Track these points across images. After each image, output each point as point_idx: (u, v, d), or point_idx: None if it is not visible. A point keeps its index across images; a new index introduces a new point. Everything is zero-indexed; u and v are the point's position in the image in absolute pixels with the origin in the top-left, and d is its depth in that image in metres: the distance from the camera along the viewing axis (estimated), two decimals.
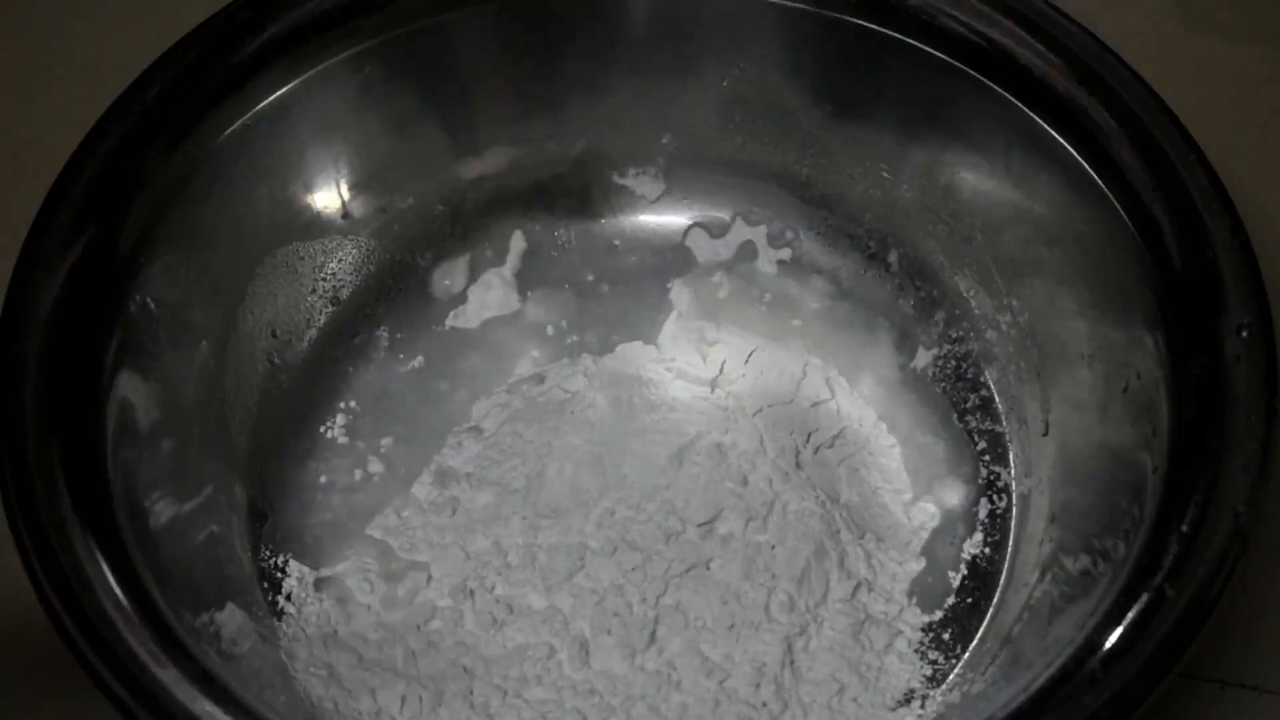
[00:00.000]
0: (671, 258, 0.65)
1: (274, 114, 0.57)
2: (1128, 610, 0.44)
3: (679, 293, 0.64)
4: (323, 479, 0.60)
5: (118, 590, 0.45)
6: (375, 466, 0.60)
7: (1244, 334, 0.48)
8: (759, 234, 0.65)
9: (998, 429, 0.60)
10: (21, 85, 0.70)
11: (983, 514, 0.59)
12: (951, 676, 0.54)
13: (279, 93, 0.56)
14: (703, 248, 0.66)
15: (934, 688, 0.54)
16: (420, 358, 0.63)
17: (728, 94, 0.62)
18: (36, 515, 0.46)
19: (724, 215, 0.66)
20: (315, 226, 0.61)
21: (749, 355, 0.62)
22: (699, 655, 0.54)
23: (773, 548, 0.56)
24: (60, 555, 0.46)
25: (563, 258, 0.66)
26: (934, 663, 0.55)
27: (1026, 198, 0.57)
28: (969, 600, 0.57)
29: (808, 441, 0.60)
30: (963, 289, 0.62)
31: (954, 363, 0.62)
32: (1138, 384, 0.51)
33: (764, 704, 0.53)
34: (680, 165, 0.65)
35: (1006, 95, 0.55)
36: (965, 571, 0.57)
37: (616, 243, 0.66)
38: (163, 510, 0.51)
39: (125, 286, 0.52)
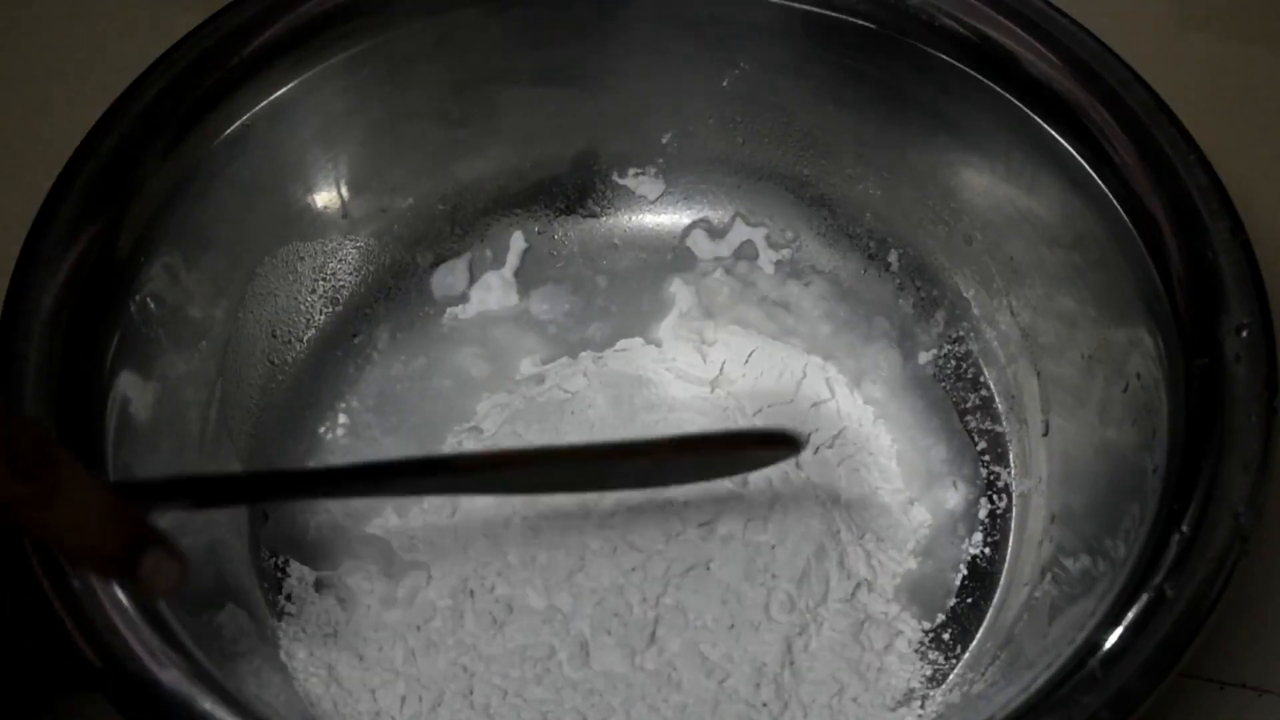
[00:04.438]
0: (671, 257, 0.65)
1: (273, 114, 0.57)
2: (1128, 610, 0.44)
3: (679, 292, 0.64)
4: None
5: (118, 590, 0.45)
6: None
7: (1244, 334, 0.48)
8: (759, 234, 0.65)
9: (998, 429, 0.60)
10: (21, 85, 0.70)
11: (983, 514, 0.59)
12: (951, 676, 0.54)
13: (278, 93, 0.57)
14: (703, 248, 0.66)
15: (934, 688, 0.54)
16: (420, 358, 0.63)
17: (728, 93, 0.62)
18: None
19: (724, 215, 0.66)
20: (315, 226, 0.61)
21: (749, 355, 0.62)
22: (699, 655, 0.54)
23: (773, 548, 0.56)
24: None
25: (563, 257, 0.66)
26: (934, 663, 0.55)
27: (1026, 198, 0.57)
28: (969, 600, 0.57)
29: (808, 441, 0.60)
30: (963, 289, 0.62)
31: (954, 363, 0.62)
32: (1138, 384, 0.51)
33: (764, 704, 0.53)
34: (680, 165, 0.65)
35: (1006, 95, 0.55)
36: (965, 571, 0.57)
37: (616, 242, 0.66)
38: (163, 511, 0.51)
39: (125, 286, 0.52)
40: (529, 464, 0.49)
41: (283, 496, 0.54)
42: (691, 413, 0.60)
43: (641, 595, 0.55)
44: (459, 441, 0.60)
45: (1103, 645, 0.44)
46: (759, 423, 0.59)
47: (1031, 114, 0.54)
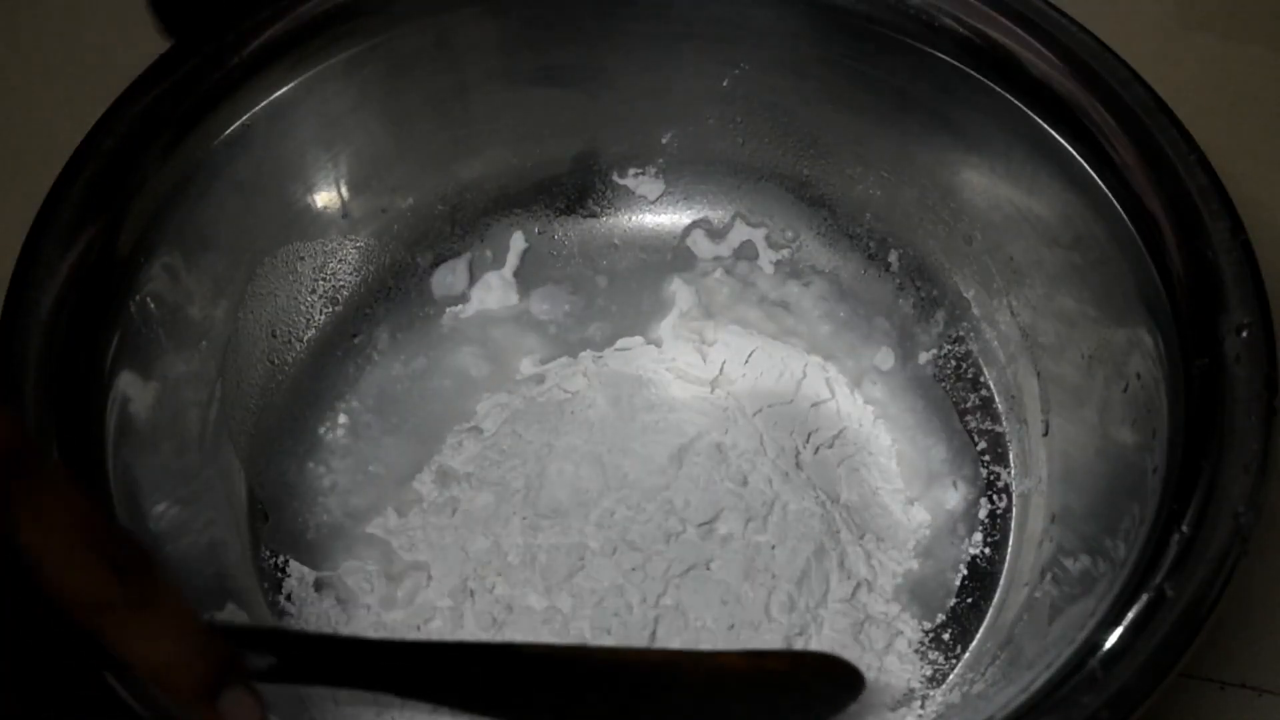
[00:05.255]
0: (671, 257, 0.66)
1: (273, 114, 0.57)
2: (1128, 610, 0.44)
3: (679, 292, 0.64)
4: (323, 479, 0.60)
5: None
6: (375, 466, 0.60)
7: (1244, 334, 0.48)
8: (759, 234, 0.65)
9: (998, 429, 0.60)
10: (21, 85, 0.70)
11: (983, 514, 0.59)
12: (951, 676, 0.54)
13: (278, 93, 0.57)
14: (703, 248, 0.66)
15: (934, 688, 0.54)
16: (420, 358, 0.63)
17: (728, 93, 0.62)
18: None
19: (724, 215, 0.66)
20: (315, 226, 0.61)
21: (749, 355, 0.62)
22: None
23: (773, 548, 0.56)
24: None
25: (563, 257, 0.66)
26: (934, 663, 0.55)
27: (1026, 198, 0.57)
28: (969, 600, 0.57)
29: (808, 441, 0.60)
30: (963, 289, 0.62)
31: (954, 363, 0.62)
32: (1138, 384, 0.51)
33: None
34: (680, 165, 0.65)
35: (1006, 95, 0.55)
36: (965, 571, 0.57)
37: (616, 242, 0.66)
38: (163, 511, 0.51)
39: (125, 286, 0.52)
40: (592, 661, 0.49)
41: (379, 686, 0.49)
42: (691, 413, 0.59)
43: (641, 595, 0.55)
44: (459, 441, 0.60)
45: (1103, 645, 0.44)
46: (759, 423, 0.59)
47: (1031, 114, 0.54)
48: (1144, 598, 0.44)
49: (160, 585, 0.38)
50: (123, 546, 0.37)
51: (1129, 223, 0.52)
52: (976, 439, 0.60)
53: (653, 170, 0.65)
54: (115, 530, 0.37)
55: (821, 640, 0.54)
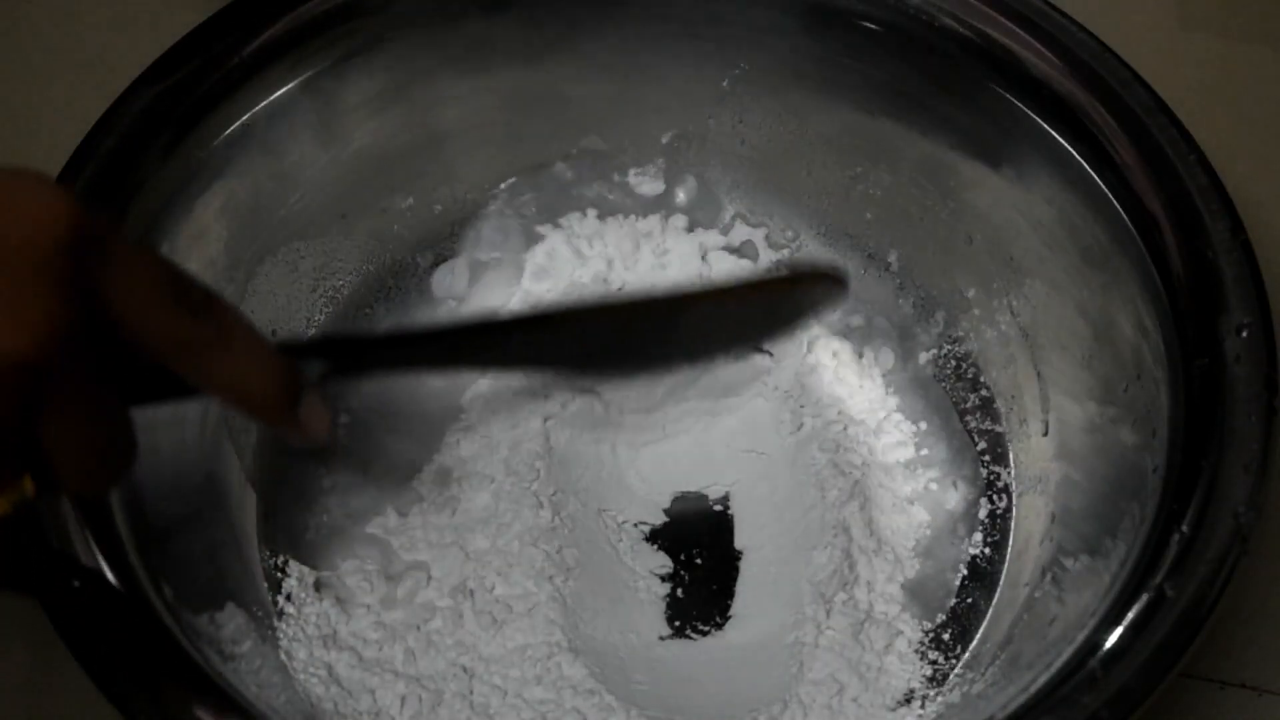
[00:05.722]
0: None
1: (273, 114, 0.57)
2: (1128, 610, 0.44)
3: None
4: (323, 479, 0.59)
5: (117, 590, 0.45)
6: (375, 466, 0.60)
7: (1244, 334, 0.48)
8: (759, 234, 0.65)
9: (998, 429, 0.60)
10: (21, 85, 0.70)
11: (983, 514, 0.59)
12: (951, 676, 0.54)
13: (278, 93, 0.57)
14: (703, 247, 0.65)
15: (934, 688, 0.54)
16: None
17: (728, 93, 0.62)
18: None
19: (724, 215, 0.65)
20: (315, 226, 0.61)
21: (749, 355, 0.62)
22: None
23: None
24: (59, 555, 0.46)
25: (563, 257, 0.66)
26: (934, 663, 0.55)
27: (1026, 197, 0.57)
28: (969, 600, 0.57)
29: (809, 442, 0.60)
30: (963, 289, 0.62)
31: (954, 363, 0.62)
32: (1138, 384, 0.51)
33: (764, 703, 0.53)
34: (680, 165, 0.65)
35: (1006, 95, 0.55)
36: (965, 571, 0.57)
37: None
38: (163, 511, 0.51)
39: None
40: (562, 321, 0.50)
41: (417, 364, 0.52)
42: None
43: None
44: (458, 440, 0.60)
45: (1103, 645, 0.44)
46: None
47: (1031, 114, 0.54)
48: (1144, 598, 0.44)
49: (231, 318, 0.40)
50: (193, 289, 0.39)
51: (1129, 223, 0.52)
52: (976, 439, 0.60)
53: (653, 170, 0.65)
54: (183, 275, 0.40)
55: (821, 639, 0.54)
